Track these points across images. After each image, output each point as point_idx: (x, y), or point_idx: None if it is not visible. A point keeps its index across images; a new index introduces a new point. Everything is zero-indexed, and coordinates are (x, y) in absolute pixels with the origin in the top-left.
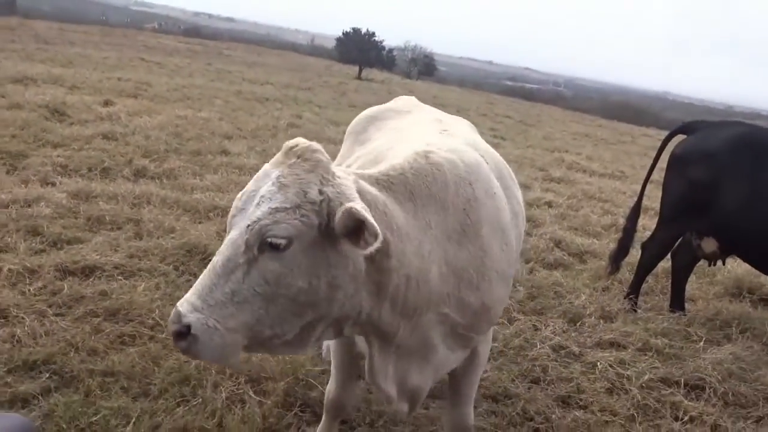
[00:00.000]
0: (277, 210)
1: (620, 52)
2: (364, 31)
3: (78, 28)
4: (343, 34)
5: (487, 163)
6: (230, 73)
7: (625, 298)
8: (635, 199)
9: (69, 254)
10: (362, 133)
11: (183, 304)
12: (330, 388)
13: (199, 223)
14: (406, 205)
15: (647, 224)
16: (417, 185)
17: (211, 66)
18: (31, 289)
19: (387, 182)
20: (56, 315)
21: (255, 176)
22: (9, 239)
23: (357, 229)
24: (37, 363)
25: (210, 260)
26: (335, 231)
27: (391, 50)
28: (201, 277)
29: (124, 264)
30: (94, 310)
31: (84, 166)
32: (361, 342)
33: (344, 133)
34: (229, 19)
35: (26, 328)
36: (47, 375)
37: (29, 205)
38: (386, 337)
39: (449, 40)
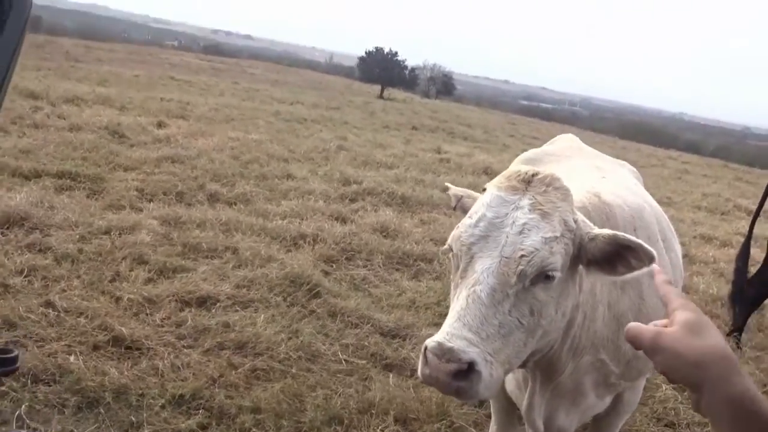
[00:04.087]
0: (549, 240)
1: (634, 72)
2: (386, 50)
3: (103, 45)
4: (365, 53)
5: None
6: (258, 92)
7: (728, 336)
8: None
9: (182, 284)
10: None
11: (453, 340)
12: (492, 430)
13: (289, 251)
14: None
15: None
16: (596, 220)
17: (238, 85)
18: (156, 319)
19: None
20: (186, 347)
21: (483, 201)
22: (120, 267)
23: (615, 254)
24: (185, 397)
25: (317, 292)
26: (586, 258)
27: (413, 70)
28: (460, 308)
29: (236, 294)
30: (221, 343)
31: (159, 190)
32: (509, 382)
33: (393, 156)
34: (247, 37)
35: (166, 362)
36: (200, 411)
37: (129, 233)
38: (552, 375)
39: (464, 58)
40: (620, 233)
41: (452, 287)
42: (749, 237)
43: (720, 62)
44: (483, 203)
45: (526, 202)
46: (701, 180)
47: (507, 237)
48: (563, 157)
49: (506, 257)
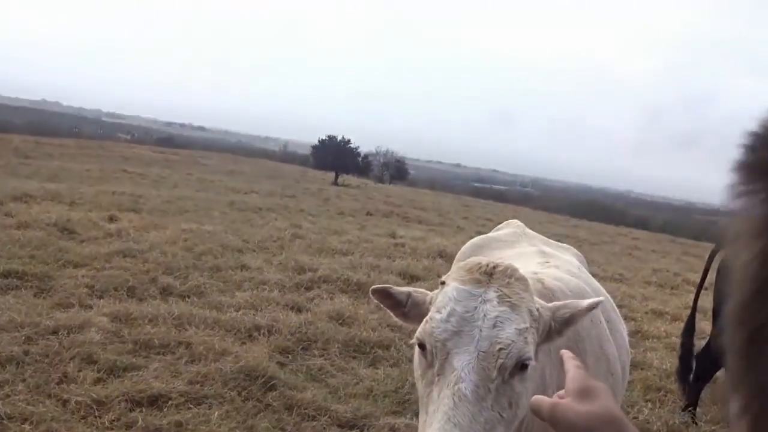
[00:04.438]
0: (522, 331)
1: (581, 153)
2: (339, 138)
3: (54, 141)
4: (319, 141)
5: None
6: (212, 183)
7: (683, 411)
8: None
9: (133, 382)
10: None
11: None
12: None
13: (243, 343)
14: None
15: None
16: None
17: (192, 176)
18: (105, 422)
19: None
20: None
21: (449, 295)
22: (67, 368)
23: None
24: None
25: (272, 384)
26: (556, 336)
27: (366, 156)
28: (447, 407)
29: (189, 391)
30: None
31: (110, 286)
32: None
33: (348, 242)
34: (201, 128)
35: None
36: None
37: (78, 331)
38: None
39: (415, 144)
40: (585, 303)
41: (423, 383)
42: (693, 312)
43: (661, 141)
44: (450, 297)
45: (492, 295)
46: (650, 255)
47: (481, 331)
48: (509, 243)
49: (483, 351)
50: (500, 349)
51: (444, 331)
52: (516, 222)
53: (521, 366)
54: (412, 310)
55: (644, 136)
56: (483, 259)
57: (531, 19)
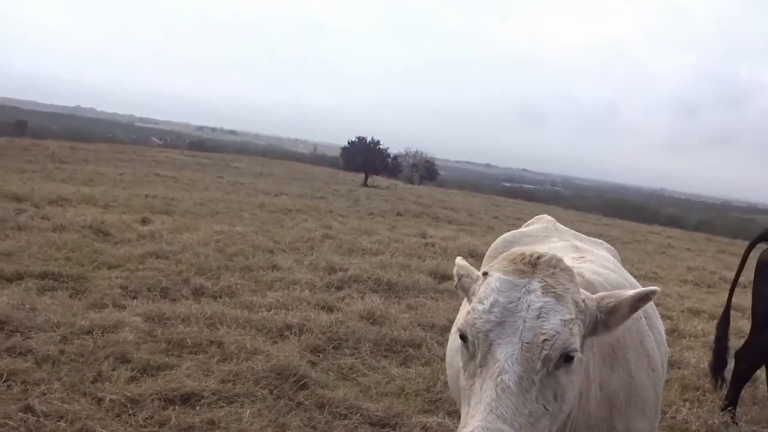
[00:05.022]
0: (568, 322)
1: (613, 151)
2: (368, 139)
3: (89, 146)
4: (348, 143)
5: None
6: (243, 185)
7: (722, 411)
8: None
9: (166, 381)
10: None
11: None
12: None
13: (275, 342)
14: None
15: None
16: None
17: (223, 179)
18: (139, 420)
19: None
20: None
21: (492, 286)
22: (102, 367)
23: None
24: None
25: (303, 383)
26: (603, 329)
27: (395, 157)
28: (490, 398)
29: (221, 390)
30: None
31: (143, 286)
32: None
33: (378, 242)
34: (232, 132)
35: None
36: None
37: (112, 331)
38: None
39: (445, 144)
40: (633, 291)
41: (465, 375)
42: (728, 305)
43: (694, 137)
44: (492, 288)
45: (537, 285)
46: (685, 254)
47: (524, 322)
48: (540, 238)
49: (527, 342)
50: (545, 340)
51: (486, 322)
52: (547, 217)
53: (567, 358)
54: (461, 293)
55: (678, 134)
56: (527, 249)
57: (561, 14)
